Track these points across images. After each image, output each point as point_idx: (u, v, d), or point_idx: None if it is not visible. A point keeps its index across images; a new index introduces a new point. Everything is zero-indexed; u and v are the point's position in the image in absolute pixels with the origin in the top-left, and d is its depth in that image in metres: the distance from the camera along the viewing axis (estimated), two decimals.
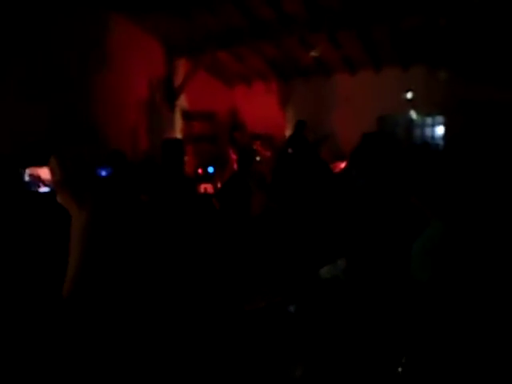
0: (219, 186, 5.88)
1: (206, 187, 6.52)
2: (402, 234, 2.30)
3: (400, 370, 1.42)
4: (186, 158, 7.29)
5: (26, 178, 2.66)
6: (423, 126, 8.20)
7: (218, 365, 1.33)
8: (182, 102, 7.70)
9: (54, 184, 0.73)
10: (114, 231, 0.76)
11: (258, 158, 7.07)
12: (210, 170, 7.31)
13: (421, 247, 1.81)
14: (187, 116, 7.87)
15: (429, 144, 7.36)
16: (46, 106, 4.95)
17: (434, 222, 1.87)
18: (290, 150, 6.90)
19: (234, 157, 6.98)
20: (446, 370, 1.46)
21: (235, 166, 6.64)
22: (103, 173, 4.70)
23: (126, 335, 0.83)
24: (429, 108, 7.71)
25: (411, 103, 7.55)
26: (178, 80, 7.47)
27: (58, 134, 5.02)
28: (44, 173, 1.89)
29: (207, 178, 7.05)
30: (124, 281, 0.82)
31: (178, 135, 7.60)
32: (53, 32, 5.04)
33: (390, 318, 1.64)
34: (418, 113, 7.81)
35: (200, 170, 7.34)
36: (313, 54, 6.96)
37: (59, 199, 0.73)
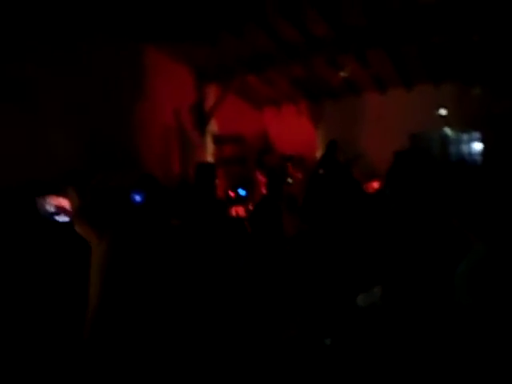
0: (251, 208, 5.86)
1: (237, 210, 6.51)
2: (442, 257, 2.18)
3: None
4: (217, 181, 7.34)
5: (48, 208, 2.69)
6: (459, 142, 7.98)
7: None
8: (213, 126, 7.81)
9: (72, 214, 0.72)
10: (137, 260, 0.73)
11: (290, 180, 7.03)
12: (242, 192, 7.31)
13: (465, 272, 1.71)
14: (218, 140, 7.97)
15: (466, 160, 7.13)
16: (81, 133, 5.11)
17: (478, 245, 1.77)
18: (321, 171, 6.84)
19: (262, 179, 6.97)
20: None
21: (263, 189, 6.62)
22: (137, 198, 4.79)
23: (153, 368, 0.80)
24: (463, 124, 7.51)
25: (444, 120, 7.38)
26: (208, 105, 7.60)
27: (94, 162, 5.16)
28: (65, 202, 1.91)
29: (239, 200, 7.05)
30: (149, 310, 0.79)
31: (210, 159, 7.69)
32: (89, 61, 5.25)
33: (433, 349, 1.54)
34: (452, 129, 7.62)
35: (231, 193, 7.36)
36: (342, 74, 6.95)
37: (77, 229, 0.72)
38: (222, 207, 4.55)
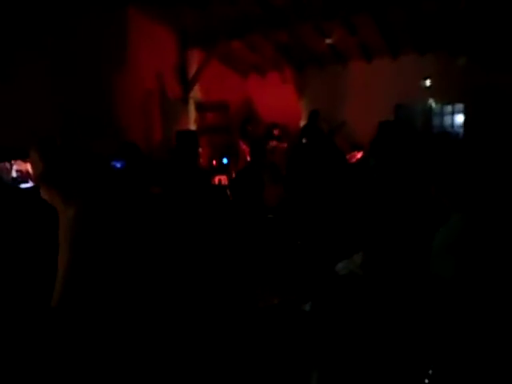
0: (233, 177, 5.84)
1: (220, 178, 6.48)
2: (421, 225, 2.21)
3: (427, 382, 1.35)
4: (200, 150, 7.26)
5: (13, 174, 2.58)
6: (442, 114, 8.01)
7: (226, 363, 1.29)
8: (196, 92, 7.64)
9: (36, 178, 0.66)
10: (109, 227, 0.69)
11: (273, 144, 7.01)
12: (225, 161, 7.27)
13: (441, 241, 1.73)
14: (201, 107, 7.82)
15: (448, 133, 7.18)
16: (60, 98, 4.95)
17: (455, 214, 1.78)
18: (304, 140, 6.82)
19: (245, 149, 6.91)
20: (473, 376, 1.39)
21: (247, 158, 6.58)
22: (117, 165, 4.70)
23: (125, 336, 0.78)
24: (448, 96, 7.52)
25: (429, 91, 7.37)
26: (192, 70, 7.41)
27: (73, 129, 5.03)
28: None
29: (222, 169, 7.01)
30: (122, 278, 0.76)
31: (192, 127, 7.57)
32: (68, 25, 5.03)
33: (412, 317, 1.57)
34: (436, 101, 7.62)
35: (214, 162, 7.30)
36: (328, 41, 6.82)
37: (43, 195, 0.66)
38: (203, 175, 4.51)
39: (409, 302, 1.70)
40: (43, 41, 4.79)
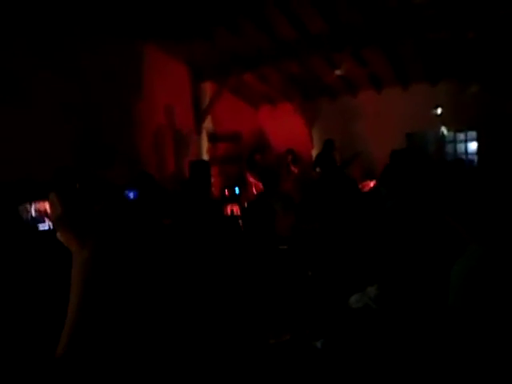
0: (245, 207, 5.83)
1: (232, 208, 6.47)
2: (437, 257, 2.15)
3: None
4: (213, 180, 7.30)
5: (33, 213, 2.62)
6: (455, 141, 7.97)
7: None
8: (208, 124, 7.77)
9: (53, 220, 0.68)
10: (123, 269, 0.69)
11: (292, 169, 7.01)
12: (237, 191, 7.28)
13: (459, 274, 1.67)
14: (213, 138, 7.92)
15: (463, 160, 7.11)
16: (76, 129, 5.06)
17: (473, 245, 1.73)
18: (317, 170, 6.81)
19: (252, 181, 6.91)
20: None
21: (254, 191, 6.57)
22: (130, 195, 4.74)
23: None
24: (460, 123, 7.50)
25: (441, 119, 7.37)
26: (204, 103, 7.55)
27: (88, 158, 5.11)
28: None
29: (234, 199, 7.01)
30: (134, 318, 0.74)
31: (205, 157, 7.64)
32: (83, 57, 5.20)
33: (428, 352, 1.50)
34: (448, 128, 7.60)
35: (226, 192, 7.32)
36: (338, 72, 6.91)
37: (59, 236, 0.68)
38: (215, 206, 4.50)
39: (425, 337, 1.63)
40: (60, 68, 4.93)
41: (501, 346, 1.51)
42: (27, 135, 4.46)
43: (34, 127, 4.56)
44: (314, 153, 8.53)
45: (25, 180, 3.48)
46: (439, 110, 7.24)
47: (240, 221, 3.98)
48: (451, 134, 7.85)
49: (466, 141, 7.90)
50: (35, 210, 2.66)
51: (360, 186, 5.11)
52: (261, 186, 5.30)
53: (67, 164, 4.55)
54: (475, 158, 7.59)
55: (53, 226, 0.70)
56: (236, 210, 6.43)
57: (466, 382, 1.46)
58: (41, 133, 4.61)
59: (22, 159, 4.22)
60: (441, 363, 1.52)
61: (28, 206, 2.64)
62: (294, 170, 7.20)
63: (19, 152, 4.28)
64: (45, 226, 2.54)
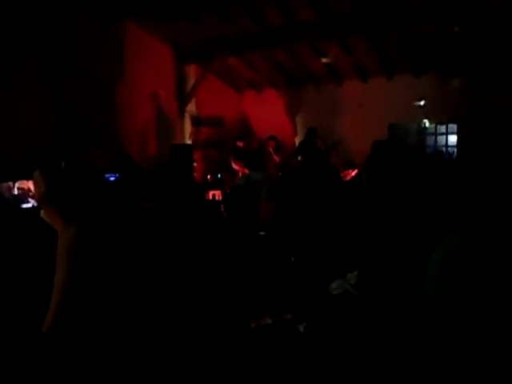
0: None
1: (214, 193, 6.46)
2: (416, 245, 2.20)
3: None
4: (195, 164, 7.25)
5: (15, 192, 2.59)
6: (436, 133, 8.10)
7: None
8: (192, 107, 7.67)
9: (37, 199, 0.67)
10: (107, 247, 0.68)
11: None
12: (219, 176, 7.25)
13: (436, 261, 1.72)
14: (196, 122, 7.84)
15: (442, 152, 7.24)
16: (56, 110, 4.95)
17: (449, 235, 1.78)
18: (299, 158, 6.82)
19: (236, 168, 6.89)
20: None
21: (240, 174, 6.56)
22: (111, 178, 4.68)
23: (122, 355, 0.75)
24: (441, 116, 7.61)
25: (423, 111, 7.46)
26: (188, 86, 7.45)
27: (67, 139, 5.01)
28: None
29: (216, 184, 6.99)
30: (120, 299, 0.74)
31: (187, 141, 7.57)
32: (64, 36, 5.05)
33: (406, 336, 1.55)
34: (430, 120, 7.71)
35: (209, 177, 7.28)
36: (324, 60, 6.90)
37: (43, 215, 0.67)
38: (197, 190, 4.48)
39: (404, 322, 1.68)
40: (40, 50, 4.80)
41: (477, 329, 1.57)
42: (6, 117, 4.36)
43: (13, 109, 4.46)
44: (298, 140, 8.54)
45: (4, 159, 3.41)
46: (422, 102, 7.32)
47: (222, 206, 3.97)
48: (433, 126, 7.96)
49: (446, 133, 8.03)
50: (18, 189, 2.63)
51: (342, 175, 5.15)
52: (246, 172, 5.28)
53: (49, 145, 4.47)
54: (455, 150, 7.73)
55: (37, 204, 0.69)
56: (218, 194, 6.43)
57: (444, 365, 1.51)
58: (19, 114, 4.51)
59: (5, 143, 4.13)
60: (418, 347, 1.56)
61: (11, 184, 2.60)
62: (276, 158, 7.18)
63: (1, 135, 4.19)
64: (28, 204, 2.51)
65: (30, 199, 2.61)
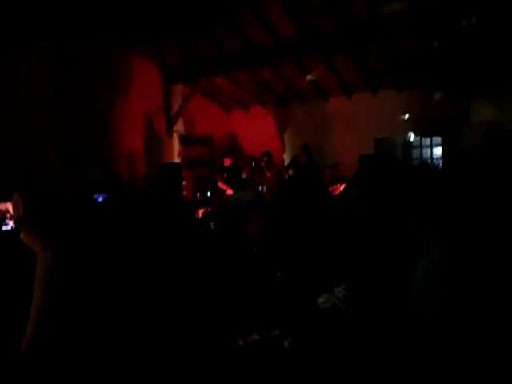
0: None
1: (203, 212, 6.44)
2: (403, 258, 2.22)
3: None
4: (185, 183, 7.24)
5: None
6: (421, 146, 8.23)
7: None
8: (180, 126, 7.72)
9: (16, 220, 0.67)
10: (85, 272, 0.69)
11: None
12: (209, 194, 7.25)
13: (422, 274, 1.73)
14: (185, 140, 7.88)
15: (428, 164, 7.34)
16: (46, 132, 4.97)
17: (435, 246, 1.79)
18: (290, 172, 6.88)
19: (221, 186, 6.89)
20: None
21: (224, 195, 6.57)
22: (99, 198, 4.66)
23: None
24: (426, 129, 7.75)
25: (408, 125, 7.59)
26: (176, 105, 7.51)
27: (60, 161, 5.03)
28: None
29: (205, 202, 6.98)
30: (99, 318, 0.74)
31: (176, 160, 7.59)
32: (57, 59, 5.12)
33: (394, 350, 1.55)
34: (415, 134, 7.84)
35: (198, 195, 7.28)
36: (309, 77, 7.01)
37: (22, 237, 0.67)
38: (186, 208, 4.48)
39: (393, 336, 1.68)
40: (29, 73, 4.84)
41: (464, 341, 1.57)
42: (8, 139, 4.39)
43: (4, 130, 4.47)
44: (286, 156, 8.61)
45: None
46: (406, 116, 7.46)
47: (211, 223, 3.97)
48: (417, 139, 8.09)
49: (431, 146, 8.16)
50: None
51: (330, 190, 5.18)
52: (230, 191, 5.30)
53: (40, 167, 4.46)
54: (440, 162, 7.85)
55: (15, 226, 0.69)
56: (203, 213, 6.41)
57: (431, 377, 1.51)
58: (11, 136, 4.52)
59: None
60: (406, 360, 1.57)
61: None
62: (268, 173, 7.21)
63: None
64: (7, 227, 2.48)
65: (8, 221, 2.59)
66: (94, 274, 0.70)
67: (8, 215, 2.66)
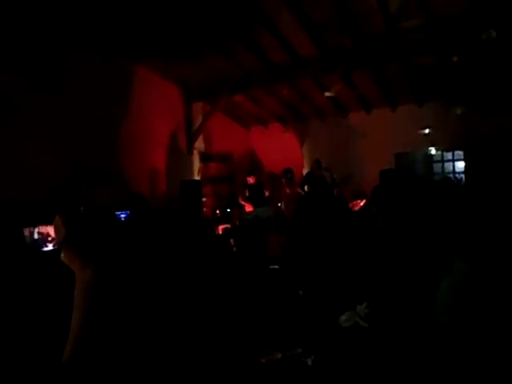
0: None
1: (223, 228, 6.48)
2: (425, 275, 2.19)
3: None
4: (204, 200, 7.32)
5: (35, 236, 2.70)
6: (443, 161, 8.13)
7: None
8: (200, 144, 7.83)
9: (58, 243, 0.72)
10: (123, 289, 0.73)
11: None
12: (228, 210, 7.30)
13: (447, 291, 1.70)
14: (205, 157, 7.98)
15: (450, 179, 7.23)
16: (70, 150, 5.08)
17: (458, 263, 1.77)
18: (306, 188, 6.88)
19: (243, 203, 6.92)
20: None
21: (246, 209, 6.60)
22: (122, 216, 4.74)
23: None
24: (447, 143, 7.66)
25: (429, 139, 7.52)
26: (196, 123, 7.63)
27: (81, 179, 5.13)
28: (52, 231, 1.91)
29: (225, 218, 7.02)
30: (133, 338, 0.77)
31: (197, 177, 7.69)
32: (79, 78, 5.26)
33: (417, 368, 1.52)
34: (436, 148, 7.76)
35: (218, 211, 7.33)
36: (327, 94, 7.05)
37: (63, 258, 0.72)
38: (206, 225, 4.52)
39: (415, 354, 1.65)
40: (51, 90, 4.98)
41: (491, 358, 1.54)
42: (20, 158, 4.49)
43: (25, 149, 4.59)
44: (305, 172, 8.62)
45: (14, 200, 3.50)
46: (427, 130, 7.39)
47: (232, 240, 3.99)
48: (439, 153, 8.00)
49: (453, 160, 8.05)
50: (38, 233, 2.74)
51: (350, 205, 5.16)
52: (250, 207, 5.31)
53: (61, 185, 4.57)
54: (463, 176, 7.73)
55: (57, 247, 0.74)
56: (222, 229, 6.44)
57: None
58: (34, 155, 4.64)
59: (15, 181, 4.23)
60: (429, 378, 1.54)
61: (32, 229, 2.72)
62: (287, 190, 7.22)
63: (12, 174, 4.30)
64: (48, 248, 2.60)
65: (48, 243, 2.72)
66: (128, 290, 0.74)
67: (49, 238, 2.79)
